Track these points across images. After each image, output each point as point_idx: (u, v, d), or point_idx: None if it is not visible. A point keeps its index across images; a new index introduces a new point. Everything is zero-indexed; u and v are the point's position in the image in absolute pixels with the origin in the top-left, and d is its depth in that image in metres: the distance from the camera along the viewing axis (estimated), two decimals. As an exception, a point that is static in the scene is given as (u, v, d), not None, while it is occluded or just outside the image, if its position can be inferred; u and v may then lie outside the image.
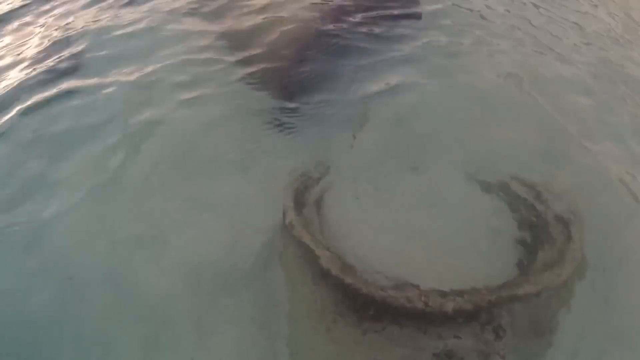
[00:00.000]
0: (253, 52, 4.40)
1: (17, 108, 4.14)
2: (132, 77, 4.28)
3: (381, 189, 3.30)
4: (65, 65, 4.59)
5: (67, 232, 3.18)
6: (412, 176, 3.37)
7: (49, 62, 4.67)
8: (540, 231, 3.01)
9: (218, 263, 2.96)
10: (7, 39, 5.37)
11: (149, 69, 4.34)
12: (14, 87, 4.41)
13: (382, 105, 3.89)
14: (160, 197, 3.31)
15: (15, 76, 4.59)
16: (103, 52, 4.61)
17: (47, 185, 3.48)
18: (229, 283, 2.87)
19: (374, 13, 4.88)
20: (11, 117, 4.06)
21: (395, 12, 4.91)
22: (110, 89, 4.18)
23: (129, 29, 4.89)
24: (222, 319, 2.75)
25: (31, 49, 5.00)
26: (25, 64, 4.76)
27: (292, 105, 3.94)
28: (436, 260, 2.93)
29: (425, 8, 5.02)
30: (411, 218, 3.14)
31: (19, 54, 4.98)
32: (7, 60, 4.92)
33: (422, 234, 3.06)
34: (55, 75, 4.47)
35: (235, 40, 4.59)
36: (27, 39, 5.25)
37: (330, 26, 4.68)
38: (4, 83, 4.52)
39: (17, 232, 3.21)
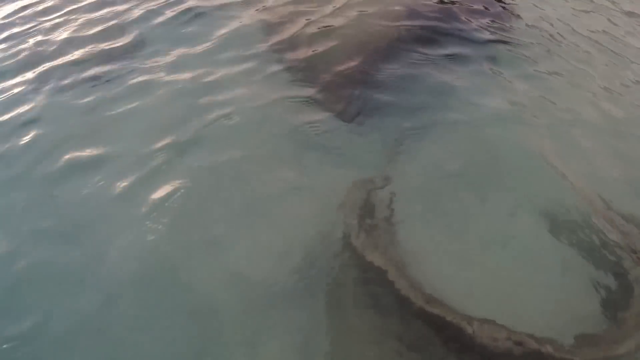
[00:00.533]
0: (315, 65, 4.29)
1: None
2: (191, 81, 4.21)
3: (447, 216, 3.12)
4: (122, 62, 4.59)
5: (117, 227, 3.08)
6: (485, 207, 3.17)
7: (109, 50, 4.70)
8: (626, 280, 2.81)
9: (271, 276, 2.82)
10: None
11: (207, 76, 4.26)
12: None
13: (449, 128, 3.72)
14: (215, 206, 3.18)
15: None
16: (162, 59, 4.55)
17: (95, 171, 3.43)
18: (282, 297, 2.73)
19: (447, 31, 4.78)
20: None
21: (472, 33, 4.80)
22: (169, 87, 4.12)
23: (189, 35, 4.87)
24: (270, 333, 2.61)
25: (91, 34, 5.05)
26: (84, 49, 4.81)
27: (354, 121, 3.80)
28: (504, 298, 2.74)
29: (499, 33, 4.88)
30: (482, 252, 2.94)
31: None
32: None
33: (491, 268, 2.86)
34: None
35: (296, 53, 4.49)
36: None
37: (400, 44, 4.56)
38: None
39: (66, 223, 3.14)
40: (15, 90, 4.38)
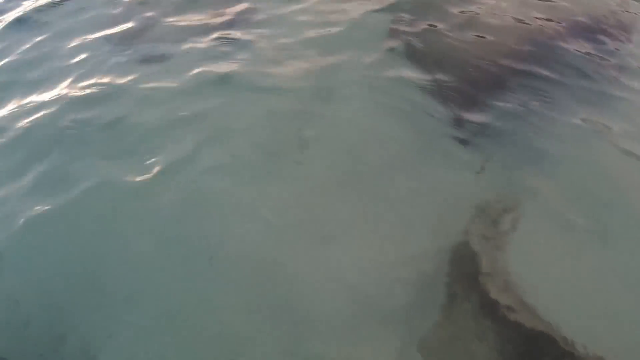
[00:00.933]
0: (449, 65, 4.07)
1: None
2: (311, 69, 4.08)
3: (572, 243, 2.86)
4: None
5: (224, 206, 3.04)
6: (613, 240, 2.87)
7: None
8: None
9: (380, 286, 2.68)
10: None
11: (329, 61, 4.14)
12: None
13: (583, 145, 3.42)
14: (326, 206, 3.06)
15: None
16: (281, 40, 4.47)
17: (211, 156, 3.37)
18: (389, 309, 2.59)
19: (592, 38, 4.44)
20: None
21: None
22: (287, 75, 4.03)
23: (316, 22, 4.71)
24: (371, 345, 2.48)
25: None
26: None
27: (482, 133, 3.54)
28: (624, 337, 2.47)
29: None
30: (608, 287, 2.67)
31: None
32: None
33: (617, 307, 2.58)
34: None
35: (427, 51, 4.27)
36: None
37: (541, 46, 4.28)
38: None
39: (173, 200, 3.13)
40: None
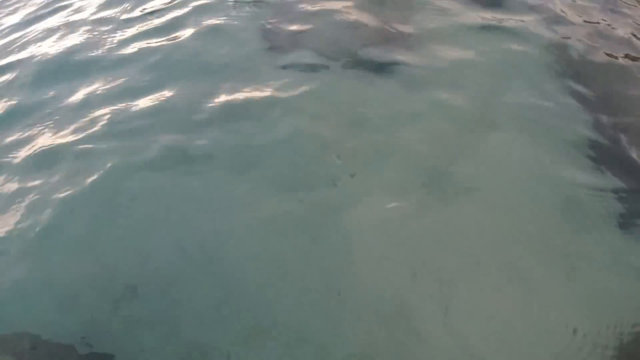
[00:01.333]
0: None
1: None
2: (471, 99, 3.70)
3: None
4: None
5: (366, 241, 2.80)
6: None
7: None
8: None
9: None
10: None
11: (483, 100, 3.71)
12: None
13: None
14: (456, 254, 2.73)
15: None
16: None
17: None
18: None
19: None
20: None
21: None
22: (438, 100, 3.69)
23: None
24: None
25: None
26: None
27: None
28: None
29: None
30: None
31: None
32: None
33: None
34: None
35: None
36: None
37: None
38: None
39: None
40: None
